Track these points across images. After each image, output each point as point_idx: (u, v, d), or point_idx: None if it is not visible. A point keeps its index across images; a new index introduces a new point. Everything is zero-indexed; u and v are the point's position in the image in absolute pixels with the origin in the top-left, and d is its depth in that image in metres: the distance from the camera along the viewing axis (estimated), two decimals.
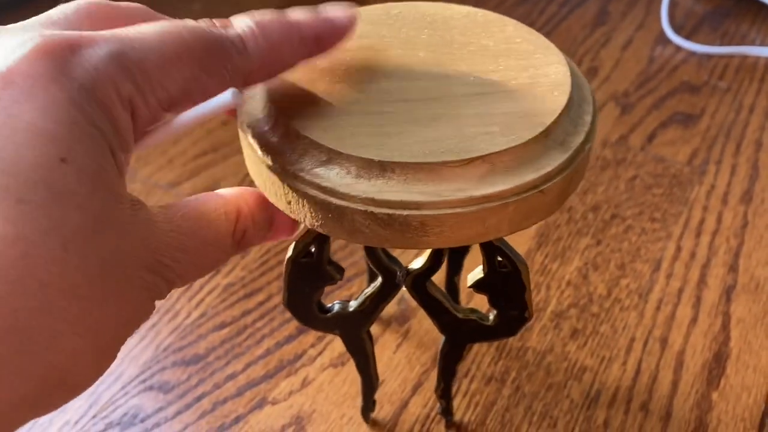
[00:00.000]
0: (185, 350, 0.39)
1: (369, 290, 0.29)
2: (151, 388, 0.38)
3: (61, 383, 0.18)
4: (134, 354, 0.39)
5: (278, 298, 0.42)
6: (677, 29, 0.66)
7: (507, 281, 0.27)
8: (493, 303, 0.28)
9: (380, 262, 0.28)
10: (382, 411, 0.36)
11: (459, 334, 0.29)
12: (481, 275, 0.27)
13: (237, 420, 0.36)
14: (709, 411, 0.36)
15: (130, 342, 0.40)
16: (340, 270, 0.29)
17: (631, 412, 0.36)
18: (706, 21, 0.67)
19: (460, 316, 0.29)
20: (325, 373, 0.38)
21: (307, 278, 0.28)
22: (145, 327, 0.41)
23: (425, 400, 0.36)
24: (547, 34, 0.66)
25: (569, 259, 0.44)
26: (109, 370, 0.38)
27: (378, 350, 0.39)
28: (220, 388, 0.37)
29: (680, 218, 0.47)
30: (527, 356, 0.38)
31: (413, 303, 0.41)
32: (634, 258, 0.44)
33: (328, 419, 0.36)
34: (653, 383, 0.37)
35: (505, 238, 0.26)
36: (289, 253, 0.27)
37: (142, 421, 0.36)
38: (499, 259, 0.27)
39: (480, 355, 0.38)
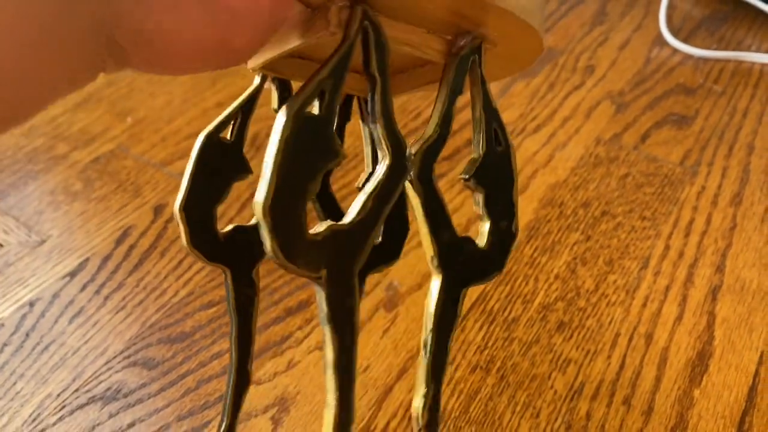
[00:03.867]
0: (171, 328, 0.39)
1: (370, 185, 0.21)
2: (135, 363, 0.37)
3: None
4: (120, 329, 0.39)
5: (268, 280, 0.42)
6: (675, 32, 0.66)
7: (500, 167, 0.24)
8: (488, 204, 0.24)
9: (392, 129, 0.21)
10: (366, 396, 0.36)
11: (455, 266, 0.23)
12: (479, 160, 0.24)
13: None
14: (690, 407, 0.36)
15: (116, 317, 0.40)
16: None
17: (614, 405, 0.36)
18: (704, 25, 0.68)
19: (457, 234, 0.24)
20: (311, 356, 0.38)
21: (214, 172, 0.23)
22: (131, 303, 0.40)
23: (410, 386, 0.37)
24: (546, 32, 0.66)
25: (558, 253, 0.44)
26: (93, 345, 0.38)
27: (363, 336, 0.39)
28: (205, 366, 0.37)
29: (670, 218, 0.47)
30: (513, 347, 0.39)
31: (402, 289, 0.41)
32: (623, 255, 0.44)
33: (312, 401, 0.36)
34: (637, 378, 0.37)
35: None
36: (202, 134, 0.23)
37: (125, 396, 0.36)
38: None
39: (466, 344, 0.39)
